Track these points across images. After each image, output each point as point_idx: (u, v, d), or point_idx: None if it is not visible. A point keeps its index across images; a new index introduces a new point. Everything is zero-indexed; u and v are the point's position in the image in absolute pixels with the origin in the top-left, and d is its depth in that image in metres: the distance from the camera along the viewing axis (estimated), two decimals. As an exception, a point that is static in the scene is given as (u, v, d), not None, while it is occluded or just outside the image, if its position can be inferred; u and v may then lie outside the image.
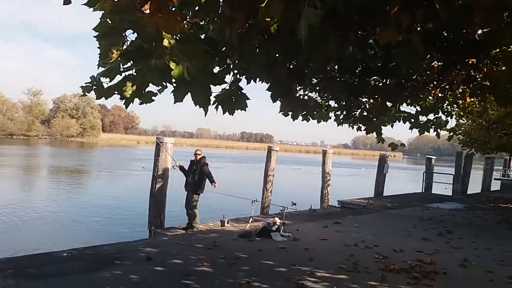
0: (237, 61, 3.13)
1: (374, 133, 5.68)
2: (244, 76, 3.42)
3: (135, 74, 2.12)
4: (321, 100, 5.26)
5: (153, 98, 2.34)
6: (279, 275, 5.19)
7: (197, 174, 8.99)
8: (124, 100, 2.21)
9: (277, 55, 2.89)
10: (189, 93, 2.05)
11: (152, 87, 2.19)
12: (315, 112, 5.25)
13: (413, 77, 4.62)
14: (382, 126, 5.71)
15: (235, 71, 3.35)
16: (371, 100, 5.46)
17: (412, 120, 5.58)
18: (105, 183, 23.59)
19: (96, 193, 19.18)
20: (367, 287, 4.81)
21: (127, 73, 2.11)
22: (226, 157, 55.12)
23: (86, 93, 2.36)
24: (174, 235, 8.09)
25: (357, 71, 4.17)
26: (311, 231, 8.24)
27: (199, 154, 9.21)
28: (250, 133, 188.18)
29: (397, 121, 5.68)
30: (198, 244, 6.68)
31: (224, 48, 2.70)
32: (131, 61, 1.92)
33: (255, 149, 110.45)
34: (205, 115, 2.28)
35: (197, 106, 2.13)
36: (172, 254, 6.01)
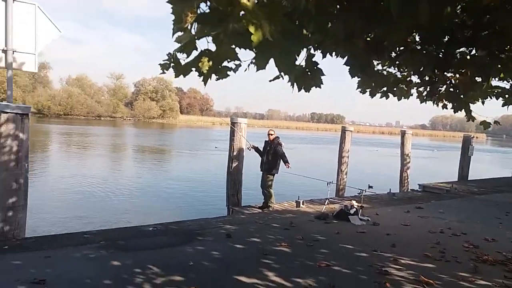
0: (312, 33, 2.99)
1: (463, 110, 5.20)
2: (319, 50, 3.27)
3: (210, 50, 2.11)
4: (401, 76, 4.90)
5: (228, 73, 2.31)
6: (360, 260, 5.02)
7: (271, 154, 9.05)
8: (202, 76, 2.22)
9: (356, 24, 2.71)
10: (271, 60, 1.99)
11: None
12: (395, 89, 4.91)
13: (507, 47, 4.09)
14: (470, 104, 5.21)
15: (309, 45, 3.22)
16: (457, 75, 4.98)
17: (507, 96, 5.01)
18: (185, 162, 24.79)
19: (177, 171, 20.27)
20: (458, 279, 4.46)
21: (203, 48, 2.11)
22: (297, 138, 54.91)
23: (165, 71, 2.41)
24: (251, 214, 8.27)
25: (444, 41, 3.78)
26: (392, 216, 7.92)
27: (272, 135, 9.25)
28: (320, 114, 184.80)
29: (488, 97, 5.14)
30: (275, 224, 6.73)
31: (298, 18, 2.58)
32: (208, 26, 1.90)
33: (325, 130, 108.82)
34: (291, 85, 2.22)
35: (282, 72, 2.07)
36: (251, 232, 6.12)
